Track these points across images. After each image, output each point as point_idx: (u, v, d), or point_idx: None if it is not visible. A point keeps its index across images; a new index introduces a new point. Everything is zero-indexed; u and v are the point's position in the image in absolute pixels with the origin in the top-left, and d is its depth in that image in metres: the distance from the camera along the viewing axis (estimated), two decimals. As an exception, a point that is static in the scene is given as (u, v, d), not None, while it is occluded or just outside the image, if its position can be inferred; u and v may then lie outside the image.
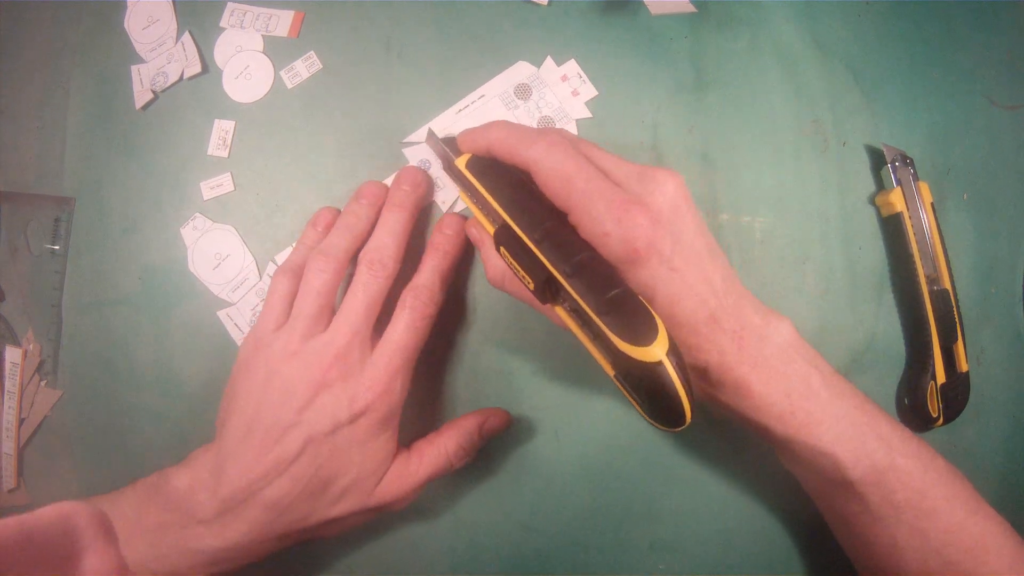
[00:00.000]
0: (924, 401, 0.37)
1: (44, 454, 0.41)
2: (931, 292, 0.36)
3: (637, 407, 0.27)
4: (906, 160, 0.37)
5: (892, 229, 0.38)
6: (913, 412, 0.37)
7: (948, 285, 0.37)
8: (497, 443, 0.38)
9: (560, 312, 0.29)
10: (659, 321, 0.26)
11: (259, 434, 0.31)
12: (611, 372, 0.28)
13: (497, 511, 0.38)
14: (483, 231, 0.33)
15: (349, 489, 0.32)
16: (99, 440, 0.40)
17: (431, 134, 0.36)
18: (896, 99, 0.39)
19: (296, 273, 0.34)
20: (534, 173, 0.30)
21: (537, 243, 0.29)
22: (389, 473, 0.33)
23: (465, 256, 0.37)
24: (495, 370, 0.38)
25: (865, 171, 0.38)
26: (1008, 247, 0.39)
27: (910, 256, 0.36)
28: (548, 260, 0.28)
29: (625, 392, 0.27)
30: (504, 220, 0.30)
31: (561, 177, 0.29)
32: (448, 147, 0.35)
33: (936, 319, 0.36)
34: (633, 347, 0.25)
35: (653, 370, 0.25)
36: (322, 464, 0.31)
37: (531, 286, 0.29)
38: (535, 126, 0.37)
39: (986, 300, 0.39)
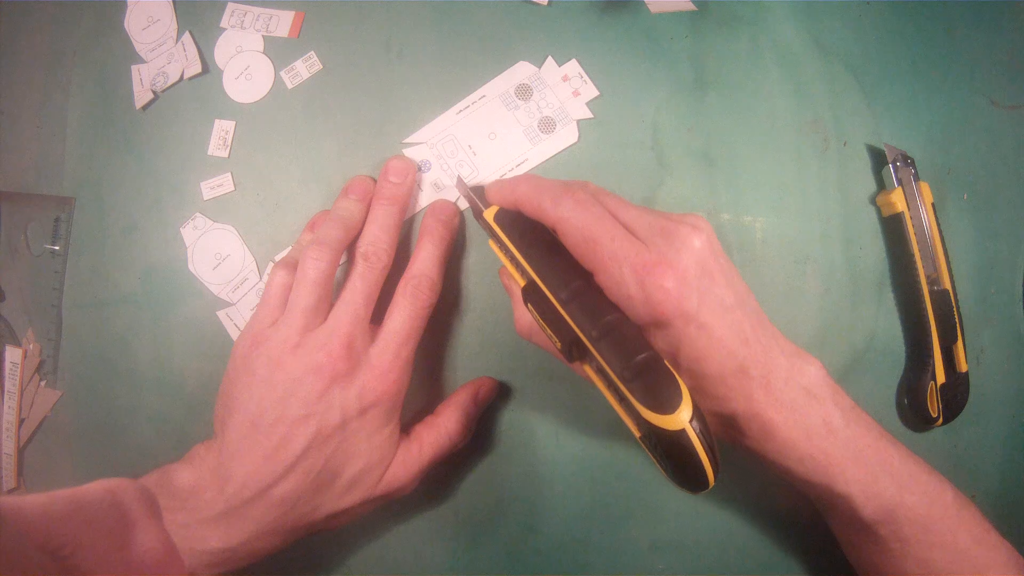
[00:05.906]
0: (924, 401, 0.37)
1: (44, 454, 0.41)
2: (931, 292, 0.36)
3: (661, 470, 0.28)
4: (907, 160, 0.37)
5: (893, 229, 0.38)
6: (913, 412, 0.37)
7: (948, 285, 0.37)
8: (498, 442, 0.38)
9: (588, 370, 0.29)
10: (684, 387, 0.26)
11: (264, 431, 0.31)
12: (637, 434, 0.28)
13: (497, 511, 0.38)
14: (513, 282, 0.33)
15: (357, 480, 0.32)
16: (99, 440, 0.40)
17: (460, 181, 0.36)
18: (896, 99, 0.39)
19: (295, 267, 0.34)
20: (560, 233, 0.30)
21: (564, 304, 0.29)
22: (394, 461, 0.34)
23: (464, 253, 0.37)
24: (494, 371, 0.38)
25: (866, 171, 0.38)
26: (1008, 247, 0.39)
27: (911, 256, 0.36)
28: (575, 322, 0.28)
29: (650, 455, 0.28)
30: (532, 277, 0.30)
31: (586, 238, 0.29)
32: (477, 197, 0.34)
33: (936, 319, 0.36)
34: (656, 415, 0.26)
35: (676, 437, 0.26)
36: (330, 457, 0.31)
37: (559, 345, 0.29)
38: (536, 127, 0.37)
39: (986, 300, 0.39)
